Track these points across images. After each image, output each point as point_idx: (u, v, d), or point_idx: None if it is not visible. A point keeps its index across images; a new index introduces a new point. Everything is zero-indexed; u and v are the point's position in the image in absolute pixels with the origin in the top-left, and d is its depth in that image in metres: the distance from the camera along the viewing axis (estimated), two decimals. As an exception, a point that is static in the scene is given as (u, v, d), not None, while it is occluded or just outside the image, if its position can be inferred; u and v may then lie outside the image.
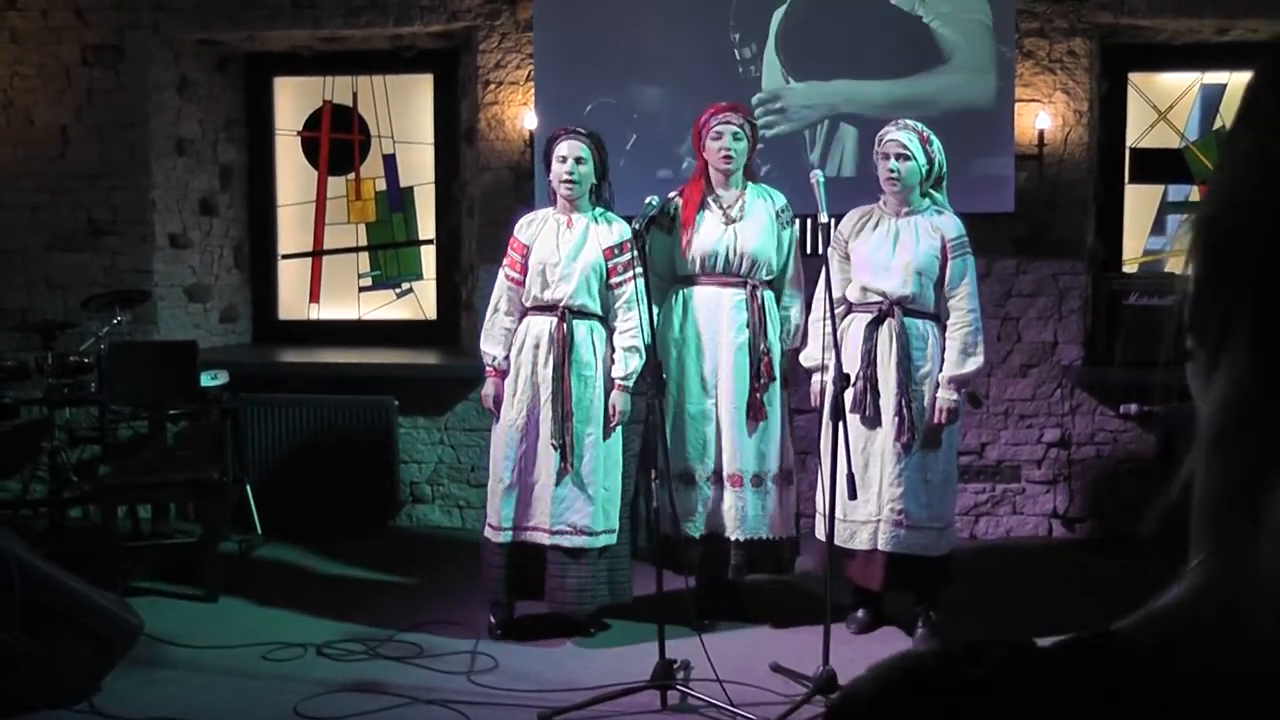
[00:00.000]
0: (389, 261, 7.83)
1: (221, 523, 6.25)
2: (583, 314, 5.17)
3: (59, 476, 6.49)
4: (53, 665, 4.49)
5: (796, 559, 5.48)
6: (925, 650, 0.73)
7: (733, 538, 5.28)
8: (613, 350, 5.22)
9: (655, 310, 4.94)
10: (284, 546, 6.65)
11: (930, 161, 5.09)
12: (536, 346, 5.14)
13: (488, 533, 5.25)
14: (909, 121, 5.18)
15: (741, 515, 5.26)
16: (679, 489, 5.19)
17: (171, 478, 6.15)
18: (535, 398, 5.13)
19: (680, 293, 5.32)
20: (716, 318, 5.24)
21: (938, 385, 5.08)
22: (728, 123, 5.22)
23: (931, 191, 5.16)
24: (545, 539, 5.13)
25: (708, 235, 5.24)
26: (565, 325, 5.11)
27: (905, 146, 5.04)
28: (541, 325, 5.15)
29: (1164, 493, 0.70)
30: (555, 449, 5.10)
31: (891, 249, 5.09)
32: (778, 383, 5.29)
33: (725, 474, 5.26)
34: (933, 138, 5.12)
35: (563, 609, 5.25)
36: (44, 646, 4.44)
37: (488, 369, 5.25)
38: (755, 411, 5.23)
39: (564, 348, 5.10)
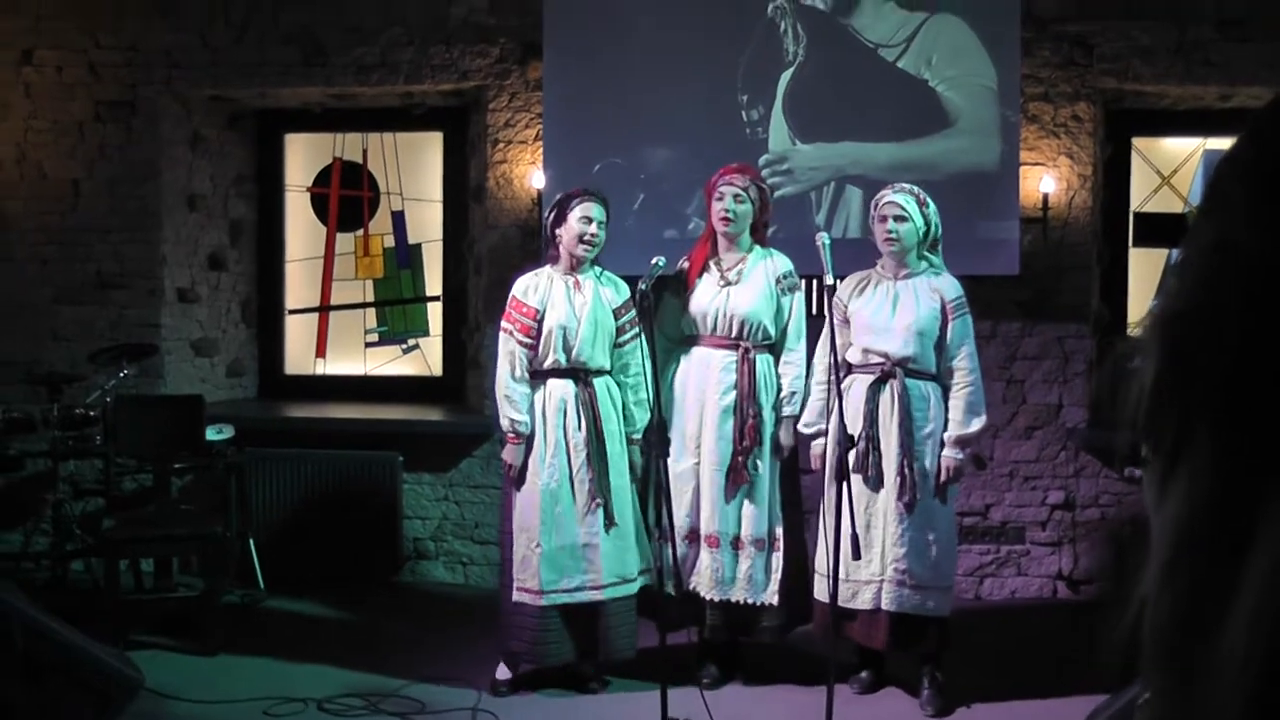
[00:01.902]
0: (396, 318, 7.87)
1: (225, 577, 6.24)
2: (600, 373, 5.24)
3: (62, 529, 6.49)
4: (51, 719, 4.46)
5: (790, 627, 5.38)
6: None
7: (709, 597, 5.27)
8: (624, 406, 5.30)
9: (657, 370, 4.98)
10: (287, 601, 6.64)
11: (927, 224, 5.13)
12: (561, 410, 5.16)
13: (522, 597, 5.17)
14: (906, 184, 5.23)
15: (718, 576, 5.25)
16: (660, 546, 5.20)
17: (175, 531, 6.14)
18: (568, 460, 5.15)
19: (678, 353, 5.35)
20: (705, 378, 5.26)
21: (941, 445, 5.09)
22: (730, 184, 5.25)
23: (927, 254, 5.19)
24: (600, 595, 5.16)
25: (702, 297, 5.28)
26: (590, 387, 5.16)
27: (903, 208, 5.08)
28: (564, 389, 5.18)
29: (1118, 619, 0.64)
30: (599, 507, 5.14)
31: (892, 311, 5.11)
32: (766, 447, 5.27)
33: (703, 534, 5.26)
34: (929, 200, 5.16)
35: (614, 656, 5.26)
36: (43, 700, 4.42)
37: (509, 435, 5.22)
38: (737, 475, 5.22)
39: (594, 409, 5.15)
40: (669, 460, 5.13)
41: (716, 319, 5.25)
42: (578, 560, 5.15)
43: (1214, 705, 0.57)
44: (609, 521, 5.16)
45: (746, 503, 5.25)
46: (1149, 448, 0.63)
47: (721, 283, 5.28)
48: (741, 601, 5.27)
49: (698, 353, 5.30)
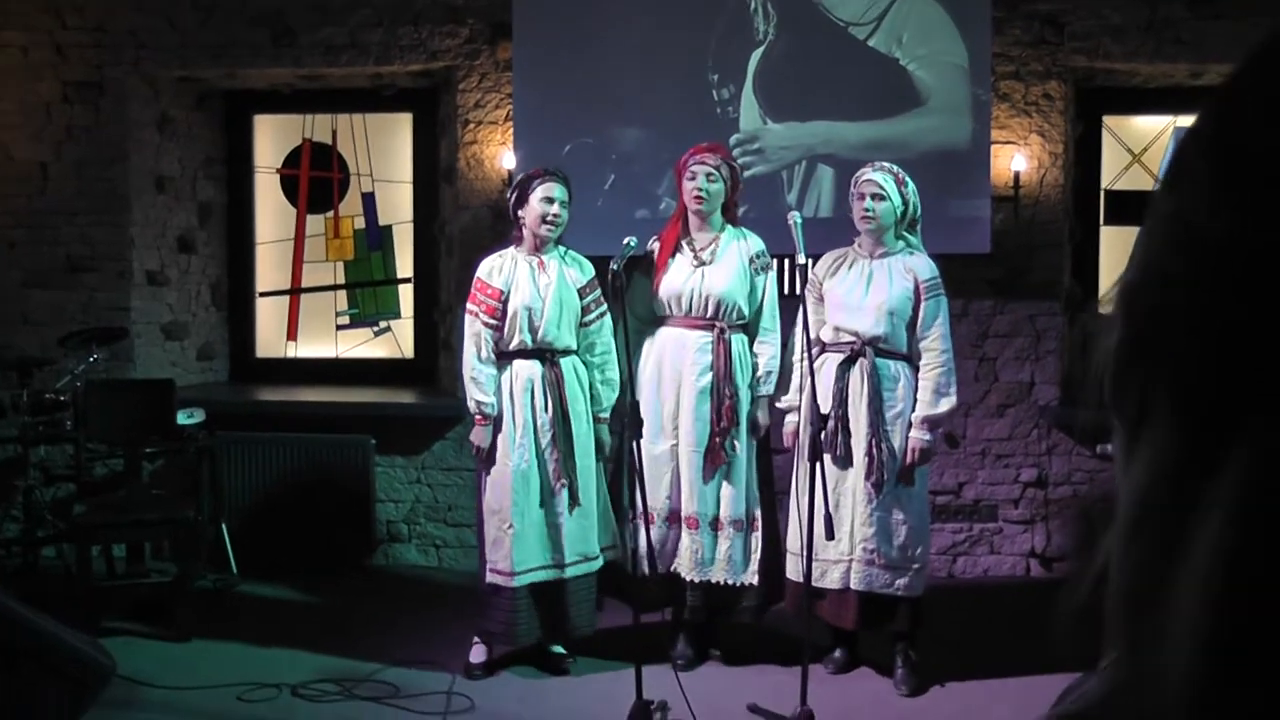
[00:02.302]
0: (367, 300, 7.83)
1: (197, 562, 6.22)
2: (566, 353, 5.24)
3: (33, 515, 6.45)
4: (23, 707, 4.44)
5: (767, 607, 5.41)
6: None
7: (689, 578, 5.28)
8: (591, 385, 5.30)
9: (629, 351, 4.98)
10: (259, 585, 6.61)
11: (905, 203, 5.13)
12: (529, 390, 5.16)
13: (496, 579, 5.19)
14: (885, 163, 5.22)
15: (698, 558, 5.26)
16: (640, 526, 5.20)
17: (147, 516, 6.11)
18: (536, 441, 5.16)
19: (652, 333, 5.34)
20: (681, 359, 5.25)
21: (909, 425, 5.09)
22: (702, 163, 5.24)
23: (905, 234, 5.19)
24: (563, 574, 5.19)
25: (675, 277, 5.26)
26: (556, 367, 5.16)
27: (881, 187, 5.08)
28: (531, 369, 5.18)
29: (1077, 582, 0.66)
30: (564, 487, 5.15)
31: (865, 289, 5.11)
32: (742, 428, 5.27)
33: (682, 515, 5.27)
34: (908, 180, 5.15)
35: (573, 633, 5.29)
36: (15, 687, 4.40)
37: (476, 417, 5.22)
38: (714, 456, 5.23)
39: (560, 389, 5.15)
40: (645, 442, 5.14)
41: (691, 299, 5.24)
42: (544, 541, 5.18)
43: (1167, 664, 0.58)
44: (573, 502, 5.19)
45: (725, 483, 5.26)
46: (1115, 417, 0.64)
47: (695, 263, 5.26)
48: (722, 582, 5.27)
49: (671, 333, 5.29)
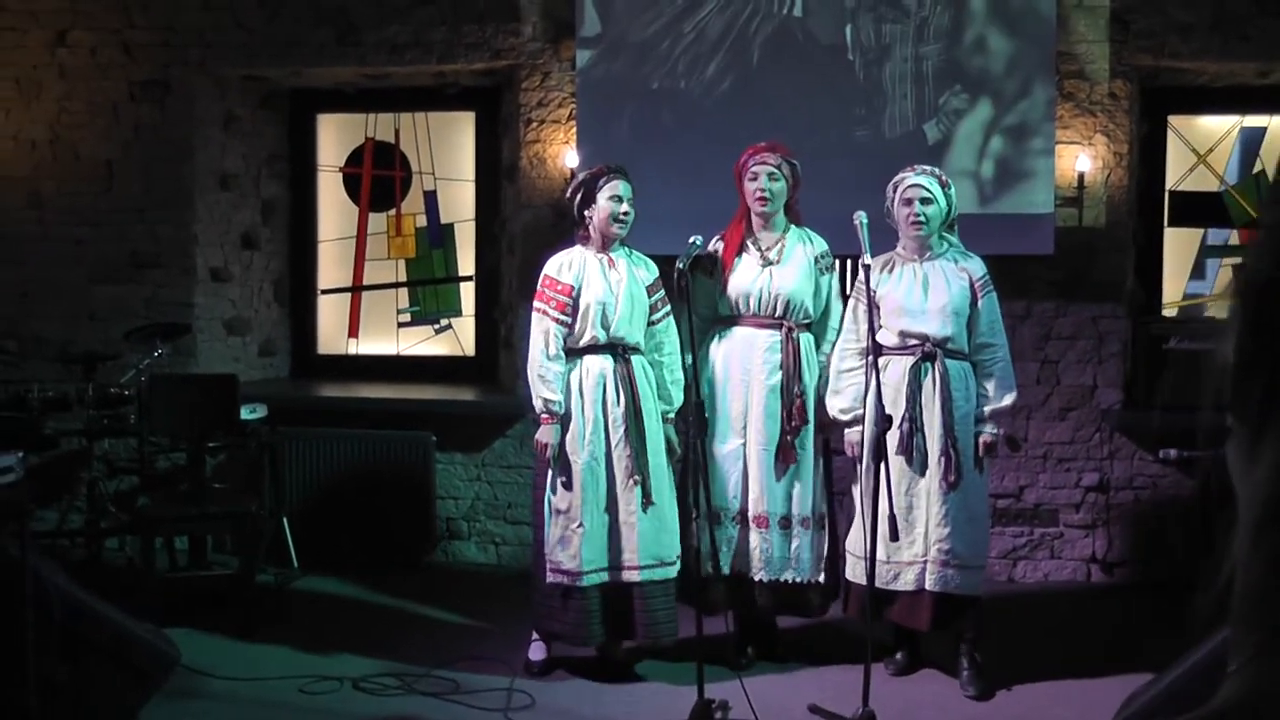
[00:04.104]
0: (428, 298, 7.87)
1: (258, 556, 6.27)
2: (636, 350, 5.21)
3: (97, 507, 6.52)
4: (90, 695, 4.49)
5: (829, 603, 5.41)
6: None
7: (757, 578, 5.27)
8: (659, 386, 5.27)
9: (695, 350, 4.97)
10: (320, 580, 6.67)
11: (949, 204, 5.13)
12: (600, 386, 5.13)
13: (558, 578, 5.13)
14: (926, 167, 5.22)
15: (767, 556, 5.25)
16: (707, 527, 5.19)
17: (209, 510, 6.17)
18: (607, 437, 5.13)
19: (718, 333, 5.33)
20: (750, 358, 5.24)
21: (975, 423, 5.08)
22: (764, 163, 5.24)
23: (946, 235, 5.18)
24: (636, 575, 5.13)
25: (744, 277, 5.25)
26: (628, 362, 5.14)
27: (928, 190, 5.07)
28: (602, 365, 5.14)
29: (1210, 579, 0.64)
30: (636, 485, 5.12)
31: (924, 293, 5.09)
32: (811, 426, 5.27)
33: (751, 514, 5.25)
34: (950, 181, 5.16)
35: (654, 640, 5.23)
36: (81, 676, 4.45)
37: (543, 416, 5.16)
38: (785, 454, 5.22)
39: (633, 385, 5.13)
40: (714, 442, 5.14)
41: (760, 299, 5.24)
42: (614, 540, 5.14)
43: None
44: (646, 500, 5.13)
45: (795, 482, 5.25)
46: (1235, 416, 0.63)
47: (762, 262, 5.26)
48: (790, 581, 5.26)
49: (740, 333, 5.29)
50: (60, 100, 7.41)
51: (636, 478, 5.12)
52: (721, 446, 5.23)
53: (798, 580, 5.27)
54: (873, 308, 4.95)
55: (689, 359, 4.97)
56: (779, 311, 5.25)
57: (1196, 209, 7.18)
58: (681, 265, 4.87)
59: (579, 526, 5.09)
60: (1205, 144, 7.16)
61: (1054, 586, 6.78)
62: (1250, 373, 0.62)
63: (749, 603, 5.32)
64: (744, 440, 5.25)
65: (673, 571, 5.20)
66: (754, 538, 5.25)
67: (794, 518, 5.26)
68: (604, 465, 5.13)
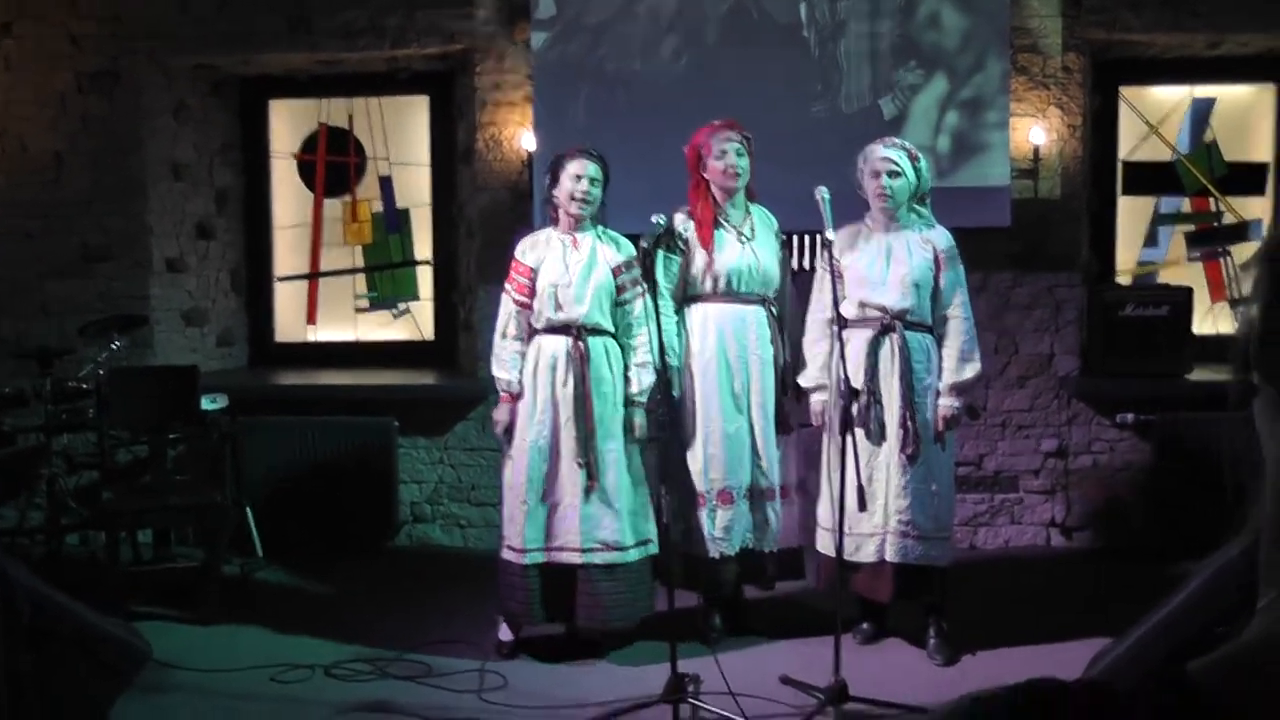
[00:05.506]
0: (385, 283, 7.84)
1: (223, 546, 6.23)
2: (597, 332, 5.18)
3: (57, 503, 6.46)
4: (60, 691, 4.45)
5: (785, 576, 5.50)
6: (1000, 692, 0.72)
7: (766, 549, 5.33)
8: (626, 368, 5.24)
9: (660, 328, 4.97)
10: (285, 568, 6.64)
11: (918, 178, 5.15)
12: (553, 367, 5.12)
13: (509, 555, 5.18)
14: (895, 139, 5.24)
15: (776, 526, 5.32)
16: (718, 508, 5.22)
17: (172, 502, 6.14)
18: (556, 417, 5.12)
19: (701, 311, 5.31)
20: (744, 335, 5.26)
21: (937, 395, 5.11)
22: (730, 139, 5.24)
23: (916, 207, 5.20)
24: (576, 558, 5.12)
25: (729, 255, 5.25)
26: (582, 344, 5.12)
27: (896, 163, 5.09)
28: (556, 345, 5.14)
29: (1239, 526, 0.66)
30: (581, 467, 5.10)
31: (885, 264, 5.11)
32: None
33: (763, 487, 5.29)
34: (920, 155, 5.18)
35: (600, 625, 5.20)
36: (51, 672, 4.42)
37: (501, 394, 5.22)
38: (783, 425, 5.31)
39: (583, 366, 5.10)
40: (718, 421, 5.20)
41: (746, 275, 5.26)
42: (557, 521, 5.14)
43: None
44: (591, 483, 5.11)
45: (789, 452, 5.37)
46: (1263, 376, 0.64)
47: (740, 239, 5.28)
48: (795, 547, 5.39)
49: (728, 310, 5.28)
50: (6, 92, 7.31)
51: (580, 460, 5.11)
52: (728, 426, 5.24)
53: (796, 545, 5.39)
54: (836, 280, 4.98)
55: (655, 336, 4.95)
56: (761, 287, 5.29)
57: (1149, 178, 7.27)
58: (645, 244, 4.87)
59: (523, 504, 5.12)
60: (1157, 115, 7.23)
61: (1015, 552, 6.87)
62: (1277, 335, 0.64)
63: (758, 574, 5.37)
64: (746, 416, 5.27)
65: (623, 558, 5.15)
66: (768, 510, 5.30)
67: (791, 485, 5.39)
68: (549, 445, 5.13)
